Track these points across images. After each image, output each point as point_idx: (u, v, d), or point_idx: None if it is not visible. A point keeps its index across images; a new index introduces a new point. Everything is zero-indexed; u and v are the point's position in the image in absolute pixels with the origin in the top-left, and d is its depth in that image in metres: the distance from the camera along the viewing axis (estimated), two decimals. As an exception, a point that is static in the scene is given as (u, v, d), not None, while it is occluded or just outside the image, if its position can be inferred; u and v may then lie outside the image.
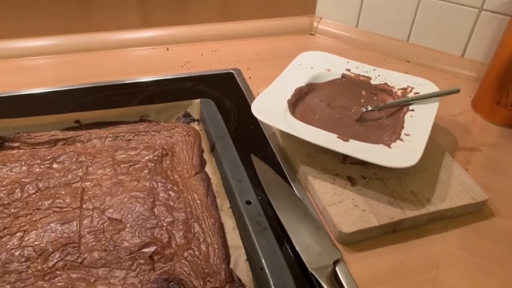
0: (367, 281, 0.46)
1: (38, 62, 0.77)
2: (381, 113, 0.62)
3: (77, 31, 0.80)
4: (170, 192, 0.52)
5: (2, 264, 0.43)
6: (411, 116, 0.59)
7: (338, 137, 0.54)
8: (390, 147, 0.53)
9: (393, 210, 0.50)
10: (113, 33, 0.81)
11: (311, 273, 0.45)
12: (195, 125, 0.63)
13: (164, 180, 0.53)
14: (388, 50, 0.86)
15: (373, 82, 0.67)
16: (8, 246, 0.44)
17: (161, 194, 0.51)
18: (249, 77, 0.76)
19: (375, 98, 0.65)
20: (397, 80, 0.66)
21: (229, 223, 0.50)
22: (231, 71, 0.77)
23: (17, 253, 0.44)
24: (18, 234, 0.46)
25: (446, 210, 0.52)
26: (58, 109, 0.62)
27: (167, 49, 0.82)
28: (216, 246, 0.46)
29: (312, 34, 0.91)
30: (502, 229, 0.52)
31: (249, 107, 0.68)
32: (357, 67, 0.68)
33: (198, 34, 0.85)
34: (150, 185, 0.52)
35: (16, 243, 0.45)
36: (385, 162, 0.50)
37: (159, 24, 0.83)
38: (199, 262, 0.45)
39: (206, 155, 0.59)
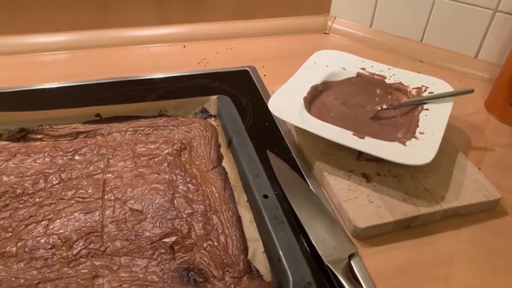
0: (381, 275, 0.47)
1: (54, 57, 0.78)
2: (395, 111, 0.63)
3: (94, 27, 0.81)
4: (189, 185, 0.53)
5: (29, 251, 0.44)
6: (426, 115, 0.60)
7: (353, 134, 0.55)
8: (405, 145, 0.54)
9: (408, 207, 0.51)
10: (130, 29, 0.83)
11: (327, 265, 0.46)
12: (212, 121, 0.64)
13: (183, 173, 0.54)
14: (402, 50, 0.87)
15: (387, 81, 0.67)
16: (34, 233, 0.46)
17: (180, 187, 0.53)
18: (264, 75, 0.77)
19: (389, 97, 0.66)
20: (411, 79, 0.67)
21: (247, 216, 0.51)
22: (247, 68, 0.78)
23: (42, 241, 0.45)
24: (43, 223, 0.47)
25: (460, 208, 0.52)
26: (76, 104, 0.63)
27: (184, 46, 0.84)
28: (234, 238, 0.47)
29: (326, 33, 0.92)
30: (514, 228, 0.53)
31: (265, 104, 0.70)
32: (372, 66, 0.69)
33: (214, 32, 0.86)
34: (170, 178, 0.53)
35: (41, 231, 0.46)
36: (400, 159, 0.51)
37: (176, 22, 0.84)
38: (218, 252, 0.46)
39: (223, 150, 0.60)
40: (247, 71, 0.78)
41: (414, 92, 0.65)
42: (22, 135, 0.58)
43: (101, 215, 0.48)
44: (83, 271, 0.43)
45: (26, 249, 0.44)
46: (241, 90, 0.72)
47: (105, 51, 0.81)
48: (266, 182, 0.52)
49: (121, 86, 0.72)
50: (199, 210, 0.50)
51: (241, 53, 0.83)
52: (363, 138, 0.55)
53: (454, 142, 0.62)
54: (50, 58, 0.78)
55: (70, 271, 0.43)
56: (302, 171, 0.58)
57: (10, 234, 0.46)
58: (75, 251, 0.45)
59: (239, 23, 0.88)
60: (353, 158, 0.58)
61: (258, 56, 0.82)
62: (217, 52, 0.83)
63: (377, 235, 0.50)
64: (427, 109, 0.61)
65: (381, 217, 0.50)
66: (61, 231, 0.46)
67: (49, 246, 0.45)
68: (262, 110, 0.69)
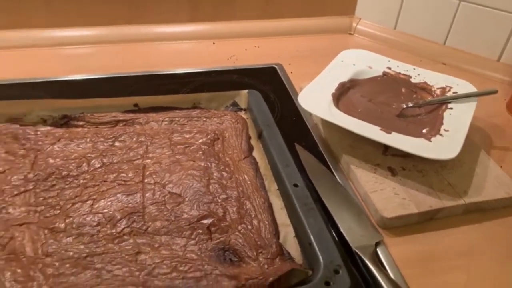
0: (405, 263, 0.49)
1: (88, 50, 0.82)
2: (420, 110, 0.65)
3: (127, 23, 0.84)
4: (223, 173, 0.56)
5: (76, 227, 0.47)
6: (450, 114, 0.62)
7: (381, 129, 0.57)
8: (431, 141, 0.56)
9: (432, 200, 0.54)
10: (162, 26, 0.86)
11: (355, 251, 0.48)
12: (242, 114, 0.67)
13: (217, 162, 0.57)
14: (424, 51, 0.89)
15: (413, 80, 0.70)
16: (80, 211, 0.49)
17: (215, 174, 0.55)
18: (291, 72, 0.80)
19: (414, 96, 0.68)
20: (436, 79, 0.69)
21: (277, 203, 0.53)
22: (274, 66, 0.81)
23: (88, 218, 0.48)
24: (88, 202, 0.50)
25: (482, 203, 0.54)
26: (114, 95, 0.66)
27: (213, 43, 0.87)
28: (266, 222, 0.50)
29: (350, 34, 0.95)
30: (535, 224, 0.55)
31: (292, 100, 0.72)
32: (397, 66, 0.72)
33: (243, 30, 0.89)
34: (205, 165, 0.56)
35: (87, 210, 0.49)
36: (426, 154, 0.53)
37: (207, 19, 0.87)
38: (251, 235, 0.48)
39: (253, 142, 0.62)
40: (275, 68, 0.81)
41: (438, 91, 0.67)
42: (65, 121, 0.61)
43: (142, 197, 0.51)
44: (127, 247, 0.46)
45: (74, 226, 0.47)
46: (269, 86, 0.75)
47: (138, 45, 0.84)
48: (296, 172, 0.55)
49: (154, 79, 0.75)
50: (233, 195, 0.53)
51: (268, 51, 0.86)
52: (390, 133, 0.57)
53: (476, 141, 0.64)
54: (85, 51, 0.81)
55: (115, 247, 0.46)
56: (329, 164, 0.61)
57: (58, 211, 0.49)
58: (119, 229, 0.48)
59: (266, 22, 0.90)
60: (379, 152, 0.60)
61: (285, 54, 0.85)
62: (246, 50, 0.86)
63: (402, 226, 0.53)
64: (451, 108, 0.63)
65: (406, 208, 0.52)
66: (105, 210, 0.49)
67: (94, 223, 0.48)
68: (289, 106, 0.71)
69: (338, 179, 0.58)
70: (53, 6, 0.80)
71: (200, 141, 0.60)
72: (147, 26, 0.85)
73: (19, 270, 0.43)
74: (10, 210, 0.49)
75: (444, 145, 0.55)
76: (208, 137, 0.61)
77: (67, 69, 0.75)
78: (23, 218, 0.48)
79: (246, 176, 0.56)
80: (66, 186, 0.52)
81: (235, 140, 0.62)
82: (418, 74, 0.70)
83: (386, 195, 0.54)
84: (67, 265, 0.44)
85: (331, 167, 0.60)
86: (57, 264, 0.44)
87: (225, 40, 0.88)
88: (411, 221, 0.53)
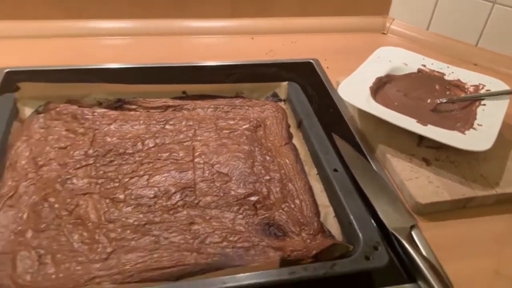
0: (438, 246, 0.51)
1: (135, 41, 0.86)
2: (454, 105, 0.68)
3: (172, 16, 0.89)
4: (266, 156, 0.59)
5: (135, 198, 0.52)
6: (483, 110, 0.64)
7: (417, 122, 0.60)
8: (464, 134, 0.59)
9: (464, 189, 0.56)
10: (204, 20, 0.90)
11: (391, 232, 0.51)
12: (281, 104, 0.70)
13: (259, 146, 0.61)
14: (456, 52, 0.91)
15: (446, 78, 0.72)
16: (137, 185, 0.53)
17: (258, 157, 0.59)
18: (327, 67, 0.83)
19: (448, 92, 0.70)
20: (469, 77, 0.71)
21: (317, 186, 0.57)
22: (310, 61, 0.84)
23: (145, 191, 0.53)
24: (144, 177, 0.54)
25: (513, 194, 0.57)
26: (162, 83, 0.70)
27: (252, 38, 0.91)
28: (307, 202, 0.53)
29: (384, 33, 0.97)
30: None
31: (328, 93, 0.76)
32: (432, 64, 0.74)
33: (280, 26, 0.93)
34: (249, 149, 0.60)
35: (144, 183, 0.54)
36: (461, 145, 0.56)
37: (246, 15, 0.91)
38: (294, 213, 0.52)
39: (292, 130, 0.66)
40: (311, 63, 0.84)
41: (471, 89, 0.70)
42: (119, 104, 0.65)
43: (193, 175, 0.55)
44: (181, 218, 0.50)
45: (132, 197, 0.52)
46: (306, 79, 0.78)
47: (180, 38, 0.88)
48: (335, 158, 0.58)
49: (197, 70, 0.79)
50: (275, 177, 0.56)
51: (305, 47, 0.89)
52: (426, 125, 0.60)
53: (508, 137, 0.66)
54: (128, 42, 0.86)
55: (170, 217, 0.50)
56: (365, 153, 0.64)
57: (117, 184, 0.53)
58: (173, 202, 0.52)
59: (303, 19, 0.94)
60: (414, 144, 0.63)
61: (320, 51, 0.88)
62: (283, 45, 0.89)
63: (435, 212, 0.55)
64: (484, 105, 0.65)
65: (439, 195, 0.55)
66: (160, 184, 0.53)
67: (151, 196, 0.52)
68: (326, 98, 0.75)
69: (374, 167, 0.61)
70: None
71: (244, 127, 0.64)
72: (190, 20, 0.89)
73: (85, 234, 0.47)
74: (74, 181, 0.53)
75: (477, 138, 0.58)
76: (251, 124, 0.64)
77: (116, 57, 0.80)
78: (86, 189, 0.52)
79: (287, 160, 0.59)
80: (123, 162, 0.56)
81: (275, 127, 0.65)
82: (452, 72, 0.73)
83: (421, 183, 0.57)
84: (128, 231, 0.48)
85: (367, 156, 0.63)
86: (119, 230, 0.48)
87: (263, 36, 0.91)
88: (444, 208, 0.56)
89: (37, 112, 0.63)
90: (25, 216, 0.49)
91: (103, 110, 0.64)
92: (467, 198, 0.55)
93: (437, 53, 0.92)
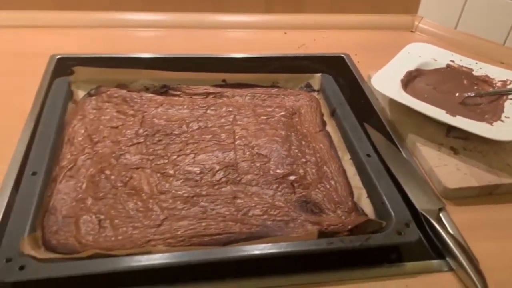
0: (464, 227, 0.54)
1: (173, 33, 0.91)
2: (481, 99, 0.70)
3: (210, 10, 0.93)
4: (302, 141, 0.63)
5: (183, 173, 0.56)
6: (511, 103, 0.67)
7: (446, 113, 0.63)
8: (492, 125, 0.62)
9: (491, 177, 0.59)
10: (239, 15, 0.94)
11: (421, 213, 0.54)
12: (315, 94, 0.74)
13: (295, 132, 0.65)
14: (484, 51, 0.93)
15: (474, 73, 0.75)
16: (185, 162, 0.58)
17: (294, 141, 0.63)
18: (357, 62, 0.86)
19: (475, 87, 0.73)
20: (497, 73, 0.74)
21: (350, 170, 0.60)
22: (342, 55, 0.88)
23: (192, 168, 0.57)
24: (190, 155, 0.59)
25: (538, 183, 0.59)
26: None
27: (285, 33, 0.94)
28: (342, 184, 0.57)
29: (412, 32, 1.00)
30: None
31: (360, 85, 0.79)
32: (460, 60, 0.77)
33: (312, 22, 0.96)
34: (286, 134, 0.64)
35: (191, 161, 0.58)
36: (489, 135, 0.59)
37: (279, 11, 0.95)
38: (330, 192, 0.56)
39: (326, 119, 0.69)
40: (342, 57, 0.87)
41: (499, 84, 0.72)
42: (164, 90, 0.70)
43: (234, 155, 0.59)
44: (225, 192, 0.54)
45: (181, 172, 0.56)
46: (338, 72, 0.81)
47: (216, 32, 0.93)
48: (368, 144, 0.62)
49: (234, 61, 0.84)
50: (311, 160, 0.60)
51: (335, 42, 0.93)
52: (454, 116, 0.63)
53: (534, 131, 0.68)
54: (168, 33, 0.90)
55: (215, 192, 0.54)
56: (395, 142, 0.67)
57: (166, 161, 0.58)
58: (217, 178, 0.56)
59: (334, 16, 0.97)
60: (442, 134, 0.66)
61: (351, 46, 0.91)
62: (314, 40, 0.93)
63: (462, 197, 0.58)
64: (511, 99, 0.68)
65: (467, 181, 0.58)
66: (205, 162, 0.58)
67: (198, 172, 0.56)
68: (357, 91, 0.78)
69: (404, 155, 0.65)
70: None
71: (280, 114, 0.68)
72: (226, 15, 0.93)
73: (139, 203, 0.52)
74: (127, 156, 0.58)
75: (505, 129, 0.61)
76: (287, 111, 0.68)
77: (155, 48, 0.85)
78: (139, 164, 0.57)
79: (322, 145, 0.63)
80: (171, 142, 0.61)
81: (310, 115, 0.69)
82: (480, 68, 0.75)
83: (449, 170, 0.60)
84: (178, 202, 0.52)
85: (397, 144, 0.66)
86: (170, 200, 0.52)
87: (295, 31, 0.95)
88: (471, 193, 0.58)
89: (89, 94, 0.68)
90: (84, 186, 0.53)
91: (150, 94, 0.69)
92: (494, 185, 0.58)
93: (464, 51, 0.93)
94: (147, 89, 0.70)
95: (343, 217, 0.53)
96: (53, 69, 0.76)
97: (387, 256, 0.51)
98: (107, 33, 0.89)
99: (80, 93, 0.68)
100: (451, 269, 0.50)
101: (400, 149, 0.66)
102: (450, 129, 0.65)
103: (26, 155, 0.57)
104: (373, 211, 0.54)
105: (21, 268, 0.43)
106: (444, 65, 0.76)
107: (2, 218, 0.50)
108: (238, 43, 0.90)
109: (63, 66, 0.76)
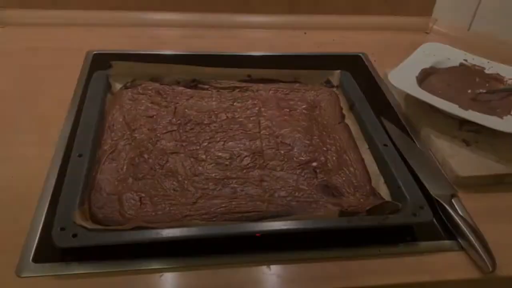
0: (475, 212, 0.58)
1: (194, 33, 0.95)
2: (493, 96, 0.73)
3: (238, 11, 0.98)
4: (323, 132, 0.67)
5: (214, 159, 0.60)
6: (521, 100, 0.70)
7: (459, 107, 0.67)
8: (503, 119, 0.65)
9: (501, 167, 0.62)
10: (264, 15, 0.99)
11: (434, 198, 0.58)
12: (334, 90, 0.78)
13: (317, 123, 0.69)
14: (497, 52, 0.96)
15: (486, 71, 0.78)
16: (215, 148, 0.62)
17: (316, 132, 0.67)
18: (374, 61, 0.90)
19: (487, 84, 0.76)
20: (508, 72, 0.77)
21: (368, 158, 0.64)
22: (359, 54, 0.92)
23: (221, 153, 0.61)
24: (220, 143, 0.63)
25: (546, 174, 0.63)
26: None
27: (305, 33, 0.98)
28: (360, 170, 0.61)
29: (427, 33, 1.03)
30: None
31: (376, 82, 0.83)
32: (473, 59, 0.80)
33: (331, 22, 1.00)
34: (308, 125, 0.68)
35: (220, 147, 0.62)
36: (500, 128, 0.62)
37: (301, 12, 0.99)
38: (349, 178, 0.60)
39: (345, 112, 0.73)
40: (360, 56, 0.91)
41: (510, 81, 0.75)
42: (194, 84, 0.75)
43: (260, 143, 0.64)
44: (253, 176, 0.58)
45: (212, 157, 0.61)
46: (356, 70, 0.85)
47: (243, 31, 0.97)
48: (384, 135, 0.66)
49: (257, 59, 0.88)
50: (332, 149, 0.64)
51: (353, 42, 0.96)
52: (467, 110, 0.66)
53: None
54: (190, 33, 0.95)
55: (244, 175, 0.58)
56: (410, 134, 0.71)
57: (198, 147, 0.62)
58: (245, 163, 0.60)
59: (352, 17, 1.01)
60: (455, 128, 0.69)
61: (368, 46, 0.95)
62: (333, 40, 0.97)
63: (474, 185, 0.62)
64: (521, 96, 0.71)
65: (478, 171, 0.62)
66: (234, 149, 0.62)
67: (227, 157, 0.61)
68: (374, 87, 0.82)
69: (418, 146, 0.68)
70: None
71: (302, 107, 0.72)
72: (251, 16, 0.98)
73: (175, 183, 0.56)
74: (163, 142, 0.62)
75: (515, 123, 0.64)
76: (308, 104, 0.72)
77: (182, 46, 0.90)
78: (174, 149, 0.61)
79: (341, 136, 0.67)
80: (201, 130, 0.65)
81: (330, 109, 0.73)
82: (492, 67, 0.79)
83: (461, 160, 0.63)
84: (211, 183, 0.57)
85: (412, 137, 0.70)
86: (203, 182, 0.57)
87: (315, 31, 0.99)
88: (482, 182, 0.62)
89: (125, 87, 0.73)
90: (124, 168, 0.58)
91: (181, 88, 0.73)
92: (504, 174, 0.62)
93: (477, 52, 0.97)
94: (178, 83, 0.75)
95: (362, 200, 0.57)
96: (90, 63, 0.82)
97: (402, 236, 0.55)
98: (139, 32, 0.94)
99: (117, 86, 0.73)
100: (462, 248, 0.54)
101: (415, 140, 0.69)
102: (463, 123, 0.69)
103: (70, 141, 0.63)
104: (389, 195, 0.58)
105: (74, 235, 0.47)
106: (457, 64, 0.80)
107: (53, 194, 0.55)
108: (261, 42, 0.94)
109: (99, 61, 0.81)
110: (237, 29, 0.97)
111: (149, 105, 0.69)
